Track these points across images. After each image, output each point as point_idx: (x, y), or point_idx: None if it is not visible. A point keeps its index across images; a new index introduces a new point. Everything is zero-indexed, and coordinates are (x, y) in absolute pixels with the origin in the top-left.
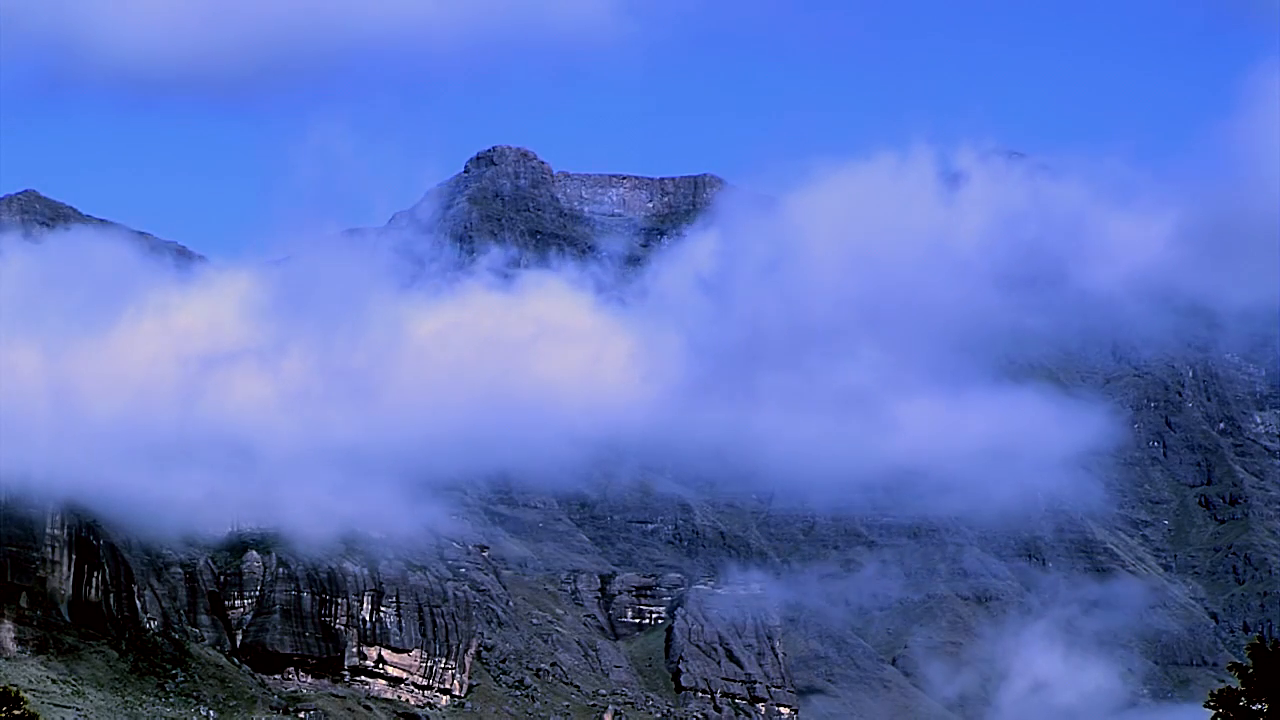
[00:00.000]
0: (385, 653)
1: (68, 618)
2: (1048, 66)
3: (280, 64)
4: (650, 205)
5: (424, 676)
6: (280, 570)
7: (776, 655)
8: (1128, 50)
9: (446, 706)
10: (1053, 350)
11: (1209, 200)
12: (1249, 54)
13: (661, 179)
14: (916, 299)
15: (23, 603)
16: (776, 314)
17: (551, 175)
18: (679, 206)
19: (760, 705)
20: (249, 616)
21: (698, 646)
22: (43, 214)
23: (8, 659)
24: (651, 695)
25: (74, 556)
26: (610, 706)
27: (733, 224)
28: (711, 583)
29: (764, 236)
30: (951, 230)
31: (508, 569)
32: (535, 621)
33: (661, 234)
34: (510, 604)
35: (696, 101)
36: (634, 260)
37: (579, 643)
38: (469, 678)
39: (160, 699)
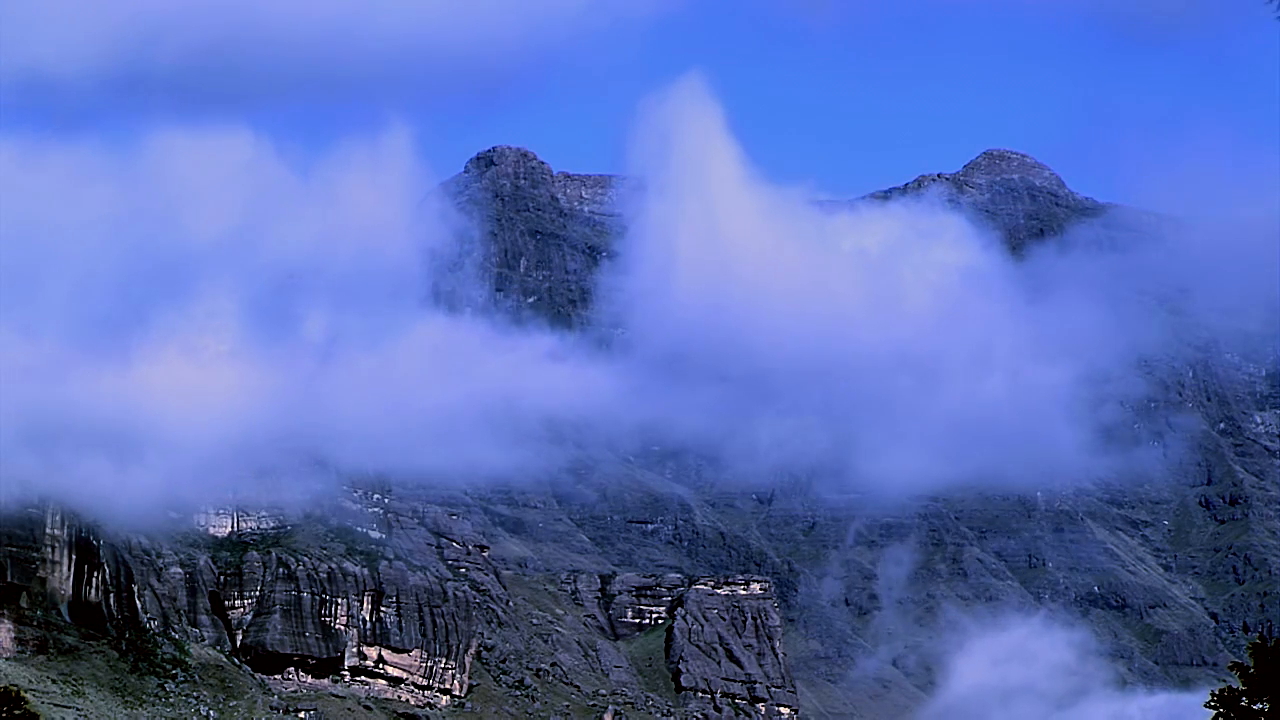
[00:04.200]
0: (385, 653)
1: (68, 618)
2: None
3: (280, 65)
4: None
5: (424, 676)
6: (280, 570)
7: (776, 655)
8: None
9: (446, 706)
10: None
11: None
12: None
13: None
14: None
15: (23, 603)
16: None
17: (551, 175)
18: None
19: (760, 705)
20: (249, 616)
21: (698, 646)
22: None
23: (8, 659)
24: (651, 695)
25: (74, 556)
26: (610, 706)
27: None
28: (711, 583)
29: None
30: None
31: (508, 569)
32: (535, 621)
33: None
34: (510, 604)
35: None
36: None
37: (579, 643)
38: (469, 678)
39: (160, 699)
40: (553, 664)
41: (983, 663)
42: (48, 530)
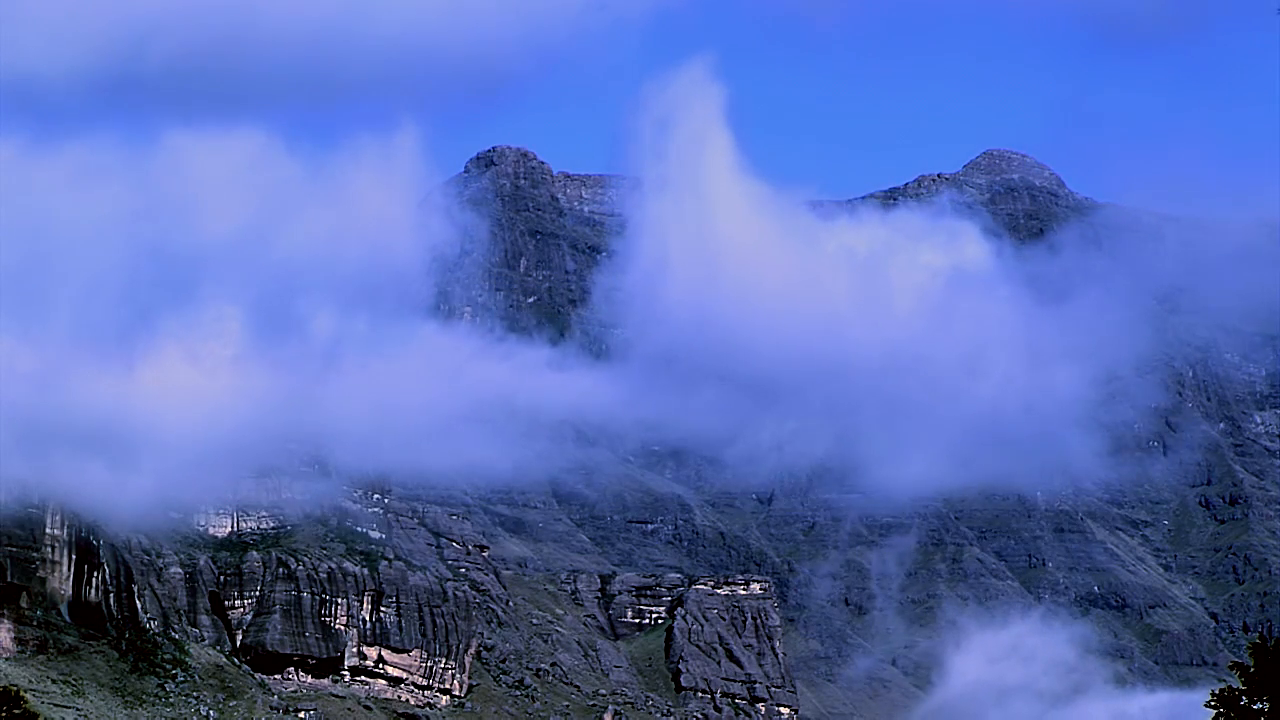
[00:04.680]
0: (385, 653)
1: (68, 618)
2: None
3: (278, 66)
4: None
5: (424, 676)
6: (280, 570)
7: (776, 655)
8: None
9: (446, 706)
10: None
11: None
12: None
13: None
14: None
15: (23, 603)
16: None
17: (551, 175)
18: None
19: (760, 705)
20: (249, 616)
21: (698, 646)
22: None
23: (8, 659)
24: (651, 695)
25: (74, 556)
26: (610, 706)
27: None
28: (711, 583)
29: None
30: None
31: (508, 569)
32: (535, 621)
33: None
34: (510, 604)
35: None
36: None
37: (579, 643)
38: (469, 678)
39: (160, 699)
40: (553, 664)
41: (980, 661)
42: (48, 530)
